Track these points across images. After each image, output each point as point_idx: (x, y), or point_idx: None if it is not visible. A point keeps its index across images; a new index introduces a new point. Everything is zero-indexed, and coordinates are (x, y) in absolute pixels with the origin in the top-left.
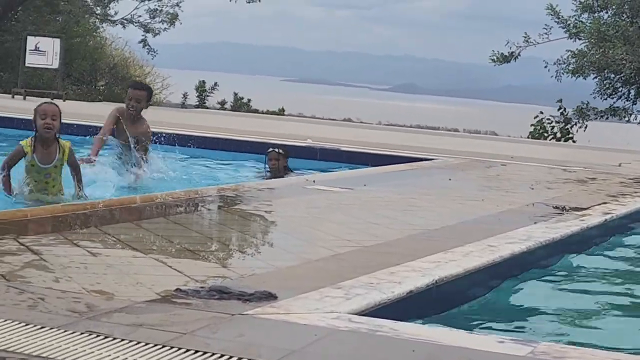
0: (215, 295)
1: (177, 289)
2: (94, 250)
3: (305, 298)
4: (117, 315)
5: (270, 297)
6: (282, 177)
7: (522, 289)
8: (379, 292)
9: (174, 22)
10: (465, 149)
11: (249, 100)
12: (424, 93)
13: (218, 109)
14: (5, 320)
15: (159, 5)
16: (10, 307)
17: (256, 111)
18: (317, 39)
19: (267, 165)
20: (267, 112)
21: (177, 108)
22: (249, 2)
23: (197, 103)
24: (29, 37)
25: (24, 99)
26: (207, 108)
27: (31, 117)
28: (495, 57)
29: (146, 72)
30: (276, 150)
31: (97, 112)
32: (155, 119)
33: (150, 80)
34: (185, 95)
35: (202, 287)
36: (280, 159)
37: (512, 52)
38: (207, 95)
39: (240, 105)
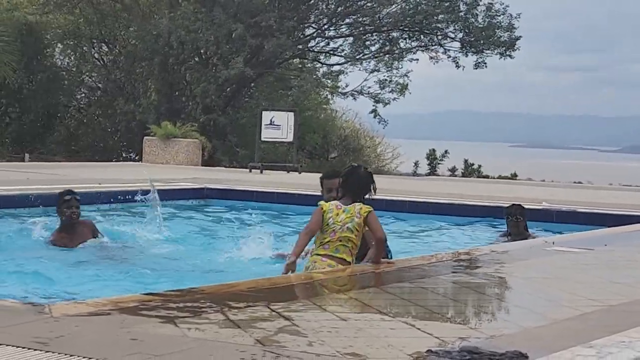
0: (466, 356)
1: (428, 350)
2: (342, 315)
3: (557, 358)
4: None
5: (521, 357)
6: (525, 238)
7: None
8: (632, 350)
9: (403, 92)
10: None
11: (480, 167)
12: None
13: (448, 176)
14: None
15: (388, 76)
16: None
17: (487, 177)
18: (543, 103)
19: (508, 224)
20: (499, 177)
21: (408, 176)
22: (475, 68)
23: (428, 171)
24: (264, 112)
25: (261, 172)
26: (438, 175)
27: (269, 190)
28: None
29: (377, 143)
30: (518, 210)
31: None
32: (390, 187)
33: (380, 150)
34: (416, 164)
35: (452, 348)
36: (523, 218)
37: None
38: (438, 163)
39: (470, 172)
